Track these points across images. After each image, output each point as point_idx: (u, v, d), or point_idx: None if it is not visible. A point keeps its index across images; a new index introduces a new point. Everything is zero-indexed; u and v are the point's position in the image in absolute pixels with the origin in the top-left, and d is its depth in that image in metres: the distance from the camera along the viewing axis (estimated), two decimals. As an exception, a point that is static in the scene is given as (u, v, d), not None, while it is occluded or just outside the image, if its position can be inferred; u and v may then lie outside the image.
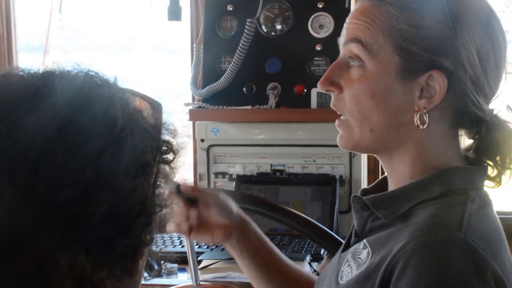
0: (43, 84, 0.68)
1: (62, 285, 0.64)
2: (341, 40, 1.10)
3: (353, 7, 2.35)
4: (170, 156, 0.73)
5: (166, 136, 0.73)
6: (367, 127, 1.07)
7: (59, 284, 0.64)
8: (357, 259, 1.07)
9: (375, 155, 1.14)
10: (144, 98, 0.75)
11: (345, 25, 1.09)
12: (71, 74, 0.70)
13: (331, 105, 1.11)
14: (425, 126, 1.05)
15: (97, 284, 0.66)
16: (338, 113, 1.10)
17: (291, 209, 1.61)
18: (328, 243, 1.52)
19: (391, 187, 1.11)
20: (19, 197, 0.63)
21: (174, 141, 0.73)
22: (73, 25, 2.99)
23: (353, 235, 1.13)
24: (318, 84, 1.09)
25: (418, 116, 1.05)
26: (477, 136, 1.08)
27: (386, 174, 1.14)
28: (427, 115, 1.04)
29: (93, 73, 0.70)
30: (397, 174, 1.09)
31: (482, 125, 1.06)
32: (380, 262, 1.00)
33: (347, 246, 1.14)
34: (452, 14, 1.04)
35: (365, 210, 1.10)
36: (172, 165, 0.74)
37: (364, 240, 1.08)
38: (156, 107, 0.74)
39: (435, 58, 1.03)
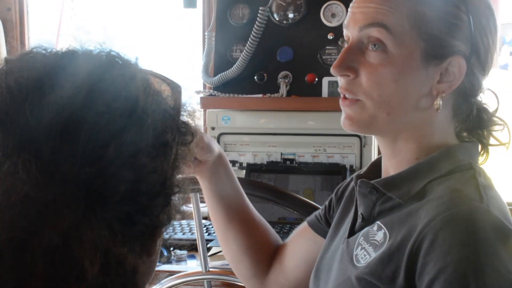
0: (67, 62, 0.68)
1: (89, 260, 0.65)
2: (355, 24, 1.08)
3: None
4: (188, 138, 0.74)
5: (184, 118, 0.74)
6: (384, 110, 1.07)
7: (86, 258, 0.65)
8: (372, 242, 1.08)
9: (379, 137, 1.14)
10: (164, 79, 0.75)
11: (357, 8, 1.08)
12: (93, 54, 0.70)
13: (341, 89, 1.09)
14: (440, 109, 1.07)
15: (120, 260, 0.67)
16: (346, 95, 1.09)
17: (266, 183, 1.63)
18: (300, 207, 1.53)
19: (393, 168, 1.12)
20: (44, 173, 0.64)
21: (192, 123, 0.73)
22: (85, 14, 3.00)
23: (358, 220, 1.14)
24: (333, 68, 1.08)
25: (439, 100, 1.07)
26: (468, 116, 1.11)
27: (385, 156, 1.15)
28: (441, 99, 1.07)
29: (114, 53, 0.70)
30: (401, 156, 1.11)
31: (474, 106, 1.11)
32: (404, 240, 1.01)
33: (352, 231, 1.15)
34: (472, 3, 1.06)
35: (373, 194, 1.11)
36: (190, 146, 0.74)
37: (378, 222, 1.09)
38: (175, 88, 0.75)
39: (457, 44, 1.06)
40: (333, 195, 1.32)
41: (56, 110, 0.65)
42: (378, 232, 1.07)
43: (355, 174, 1.20)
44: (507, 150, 1.15)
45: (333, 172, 2.33)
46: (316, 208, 1.45)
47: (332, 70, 1.09)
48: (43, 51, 0.70)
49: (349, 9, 1.11)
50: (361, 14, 1.07)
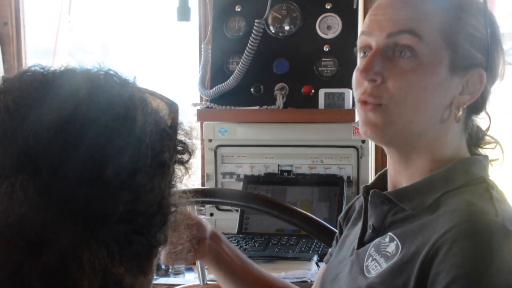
0: (65, 82, 0.68)
1: (87, 281, 0.64)
2: (381, 30, 1.07)
3: (361, 8, 2.35)
4: (185, 157, 0.74)
5: (181, 137, 0.74)
6: (408, 117, 1.06)
7: (84, 279, 0.64)
8: (383, 253, 1.07)
9: (394, 148, 1.12)
10: (161, 98, 0.75)
11: (383, 15, 1.07)
12: (92, 73, 0.70)
13: (364, 95, 1.07)
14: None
15: (118, 280, 0.67)
16: (368, 101, 1.07)
17: (288, 204, 1.62)
18: (323, 233, 1.52)
19: (405, 180, 1.12)
20: (42, 194, 0.64)
21: (189, 142, 0.74)
22: (82, 29, 3.00)
23: (368, 230, 1.13)
24: (361, 73, 1.06)
25: (461, 111, 1.08)
26: (472, 128, 1.13)
27: (396, 168, 1.13)
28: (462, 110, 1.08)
29: (112, 72, 0.70)
30: (414, 167, 1.10)
31: (475, 122, 1.12)
32: (416, 252, 1.01)
33: (362, 242, 1.14)
34: (489, 15, 1.09)
35: (385, 205, 1.10)
36: (186, 165, 0.74)
37: (390, 233, 1.08)
38: (173, 107, 0.75)
39: (479, 56, 1.07)
40: (339, 221, 1.30)
41: (54, 130, 0.65)
42: (390, 244, 1.07)
43: (362, 186, 1.19)
44: (500, 166, 1.15)
45: (330, 183, 2.34)
46: (326, 227, 1.46)
47: (360, 74, 1.07)
48: (41, 70, 0.70)
49: (369, 16, 1.10)
50: (389, 21, 1.07)
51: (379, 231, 1.11)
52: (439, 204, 1.06)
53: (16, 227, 0.63)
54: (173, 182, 0.73)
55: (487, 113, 1.15)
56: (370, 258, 1.09)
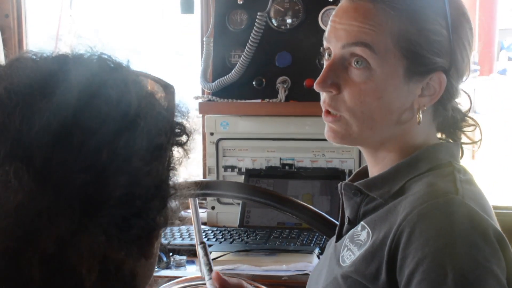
0: (58, 68, 0.68)
1: (86, 266, 0.64)
2: (337, 40, 1.09)
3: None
4: (183, 138, 0.73)
5: (179, 118, 0.73)
6: (367, 125, 1.10)
7: (83, 265, 0.64)
8: (356, 242, 1.10)
9: (361, 147, 1.17)
10: (157, 80, 0.75)
11: (339, 24, 1.09)
12: (84, 58, 0.69)
13: (324, 104, 1.11)
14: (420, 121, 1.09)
15: (118, 265, 0.67)
16: (330, 111, 1.11)
17: (287, 196, 1.62)
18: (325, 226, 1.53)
19: (377, 172, 1.14)
20: (37, 181, 0.63)
21: (187, 123, 0.73)
22: (83, 24, 3.00)
23: (345, 223, 1.16)
24: (316, 85, 1.10)
25: (420, 113, 1.09)
26: (445, 118, 1.15)
27: (368, 164, 1.17)
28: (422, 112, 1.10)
29: (106, 56, 0.70)
30: (384, 163, 1.13)
31: (450, 108, 1.14)
32: (384, 237, 1.04)
33: (340, 235, 1.17)
34: (450, 16, 1.08)
35: (357, 196, 1.13)
36: (185, 147, 0.74)
37: (362, 223, 1.11)
38: (168, 89, 0.74)
39: (439, 60, 1.08)
40: None
41: (47, 116, 0.64)
42: (362, 232, 1.09)
43: (340, 183, 1.21)
44: (478, 148, 1.19)
45: (332, 177, 2.33)
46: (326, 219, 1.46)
47: (315, 86, 1.11)
48: (33, 56, 0.69)
49: (330, 22, 1.12)
50: (343, 31, 1.09)
51: (354, 223, 1.14)
52: (404, 189, 1.09)
53: (13, 216, 0.63)
54: (171, 165, 0.73)
55: (467, 95, 1.17)
56: (346, 248, 1.12)
